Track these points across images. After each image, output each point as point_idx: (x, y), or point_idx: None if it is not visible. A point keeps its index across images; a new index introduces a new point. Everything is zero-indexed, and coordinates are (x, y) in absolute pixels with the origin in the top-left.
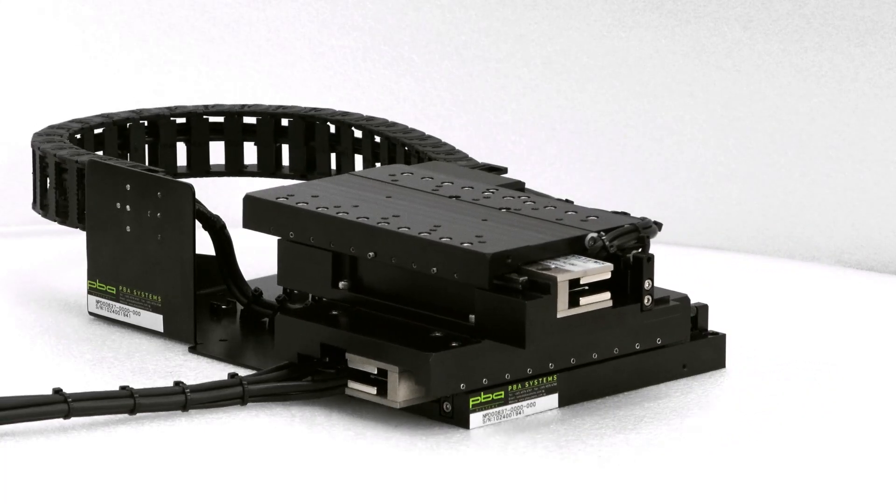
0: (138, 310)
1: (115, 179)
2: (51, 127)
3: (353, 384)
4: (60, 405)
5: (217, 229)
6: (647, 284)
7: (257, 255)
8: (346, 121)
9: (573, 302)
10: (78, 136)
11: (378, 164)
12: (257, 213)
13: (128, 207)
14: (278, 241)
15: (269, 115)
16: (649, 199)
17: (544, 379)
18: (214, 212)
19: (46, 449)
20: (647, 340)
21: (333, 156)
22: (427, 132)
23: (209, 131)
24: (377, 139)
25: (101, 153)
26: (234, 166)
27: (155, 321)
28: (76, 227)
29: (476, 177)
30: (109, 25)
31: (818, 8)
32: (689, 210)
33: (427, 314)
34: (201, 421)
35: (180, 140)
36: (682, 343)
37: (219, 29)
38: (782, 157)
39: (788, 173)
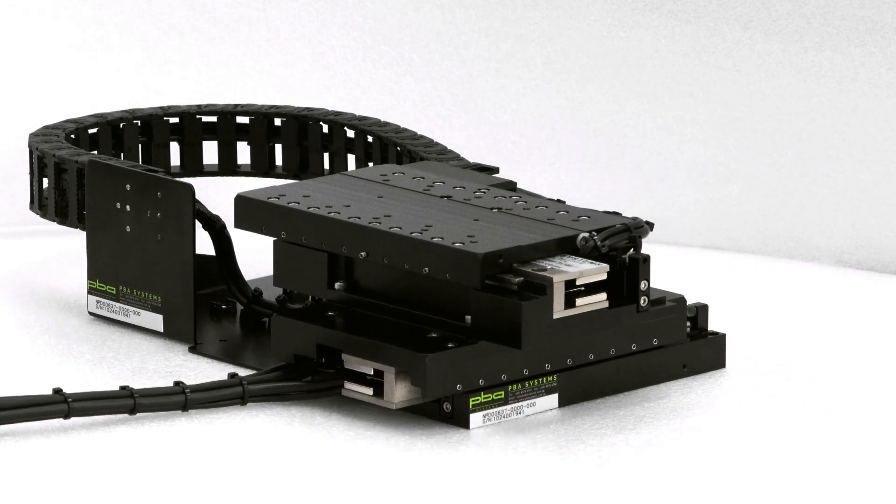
0: (138, 310)
1: (114, 179)
2: (46, 127)
3: (349, 385)
4: (60, 405)
5: (217, 229)
6: (643, 285)
7: (257, 255)
8: (338, 121)
9: (569, 303)
10: (73, 137)
11: (370, 164)
12: (249, 213)
13: (128, 207)
14: (274, 241)
15: (261, 115)
16: (649, 199)
17: (544, 379)
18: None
19: (46, 449)
20: (644, 341)
21: (326, 155)
22: (427, 132)
23: (202, 131)
24: (369, 139)
25: (95, 153)
26: (228, 166)
27: (155, 321)
28: (76, 227)
29: (467, 176)
30: (109, 25)
31: (818, 8)
32: (689, 210)
33: (423, 315)
34: (201, 421)
35: (173, 140)
36: (679, 344)
37: (219, 29)
38: (782, 157)
39: (788, 173)
